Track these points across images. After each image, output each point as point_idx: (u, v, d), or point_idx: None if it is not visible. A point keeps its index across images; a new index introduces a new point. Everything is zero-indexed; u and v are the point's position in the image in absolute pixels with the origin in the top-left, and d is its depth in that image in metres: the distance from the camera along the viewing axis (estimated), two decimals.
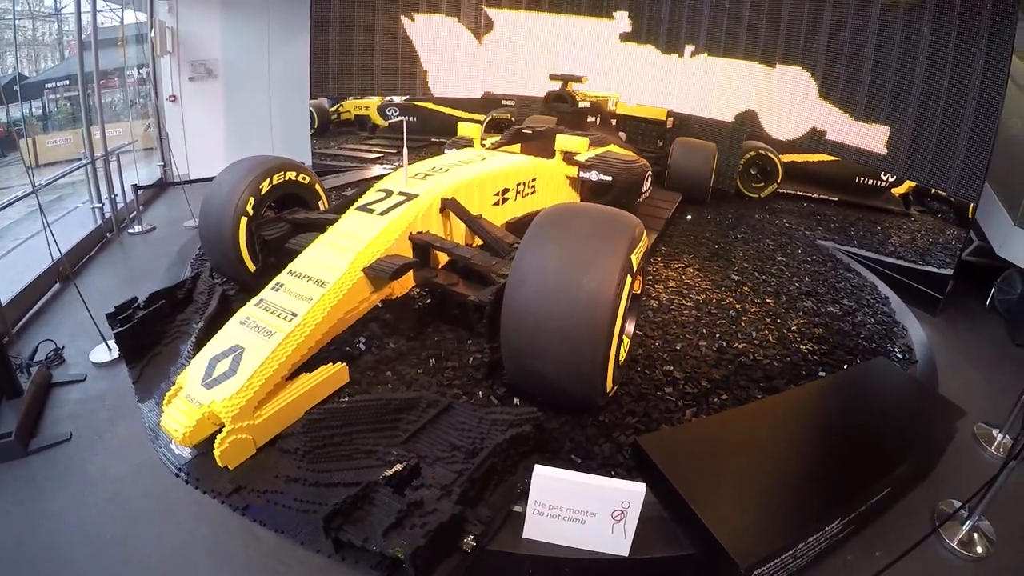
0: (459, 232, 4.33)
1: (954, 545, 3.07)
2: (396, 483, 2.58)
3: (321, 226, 4.39)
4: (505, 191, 4.64)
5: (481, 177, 4.41)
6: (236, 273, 4.55)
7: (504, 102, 10.69)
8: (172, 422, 2.91)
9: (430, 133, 11.46)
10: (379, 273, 3.49)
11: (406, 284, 3.90)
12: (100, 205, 7.19)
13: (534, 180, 4.96)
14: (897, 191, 9.26)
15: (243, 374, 2.95)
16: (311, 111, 9.66)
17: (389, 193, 4.03)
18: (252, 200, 4.34)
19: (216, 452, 2.83)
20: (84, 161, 7.11)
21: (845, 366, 4.32)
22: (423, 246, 3.90)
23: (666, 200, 7.51)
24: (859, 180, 9.24)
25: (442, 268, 4.13)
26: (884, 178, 9.18)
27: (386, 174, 4.64)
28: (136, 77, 9.16)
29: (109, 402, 3.80)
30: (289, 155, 4.81)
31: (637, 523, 2.49)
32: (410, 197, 3.94)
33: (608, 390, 3.23)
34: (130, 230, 7.24)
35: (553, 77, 6.66)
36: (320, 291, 3.33)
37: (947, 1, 5.84)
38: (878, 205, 9.14)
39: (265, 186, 4.43)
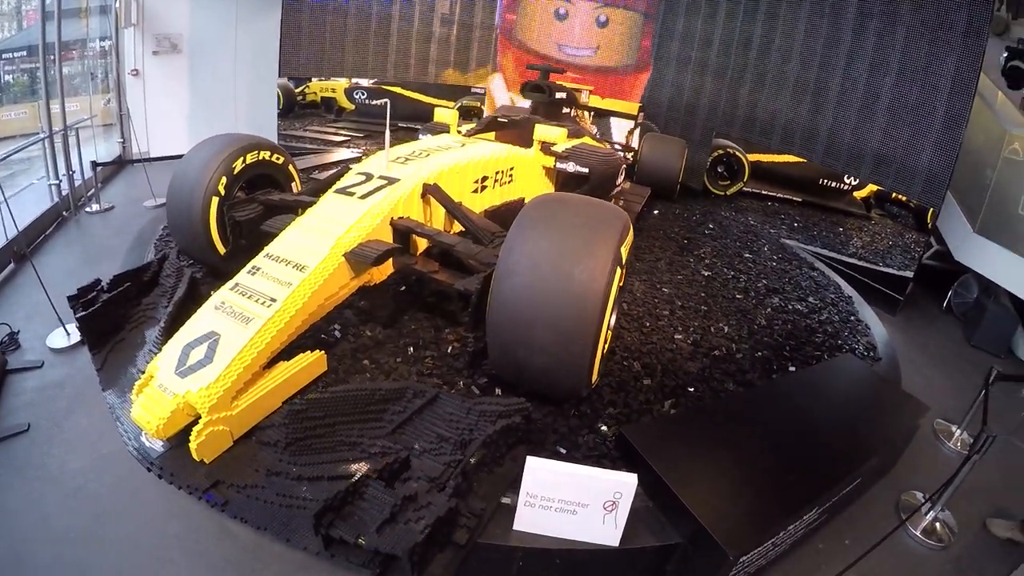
0: (438, 219, 4.27)
1: (918, 534, 3.25)
2: (387, 476, 2.55)
3: (295, 208, 4.32)
4: (484, 179, 4.60)
5: (462, 164, 4.34)
6: (204, 255, 4.38)
7: (473, 90, 10.63)
8: (144, 413, 2.79)
9: (398, 118, 11.31)
10: (361, 258, 3.42)
11: (385, 270, 3.82)
12: (57, 182, 6.88)
13: (511, 169, 4.94)
14: (859, 194, 9.59)
15: (220, 362, 2.84)
16: (277, 91, 9.45)
17: (369, 177, 3.95)
18: (224, 180, 4.17)
19: (192, 445, 2.71)
20: (42, 135, 6.79)
21: (813, 361, 4.47)
22: (404, 232, 3.84)
23: (636, 194, 7.58)
24: (823, 182, 9.55)
25: (420, 255, 4.08)
26: (847, 181, 9.49)
27: (354, 158, 4.58)
28: (97, 50, 8.75)
29: (69, 390, 3.61)
30: (255, 135, 4.65)
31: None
32: (391, 181, 3.87)
33: (592, 381, 3.26)
34: (88, 209, 6.94)
35: (531, 67, 6.62)
36: (300, 276, 3.24)
37: (922, 15, 6.01)
38: (841, 207, 9.41)
39: (238, 165, 4.26)
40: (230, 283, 3.32)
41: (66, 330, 4.08)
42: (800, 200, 9.44)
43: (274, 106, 9.17)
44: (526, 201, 5.24)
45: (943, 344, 5.84)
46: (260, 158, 4.45)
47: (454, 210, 4.00)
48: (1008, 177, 5.67)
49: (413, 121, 11.28)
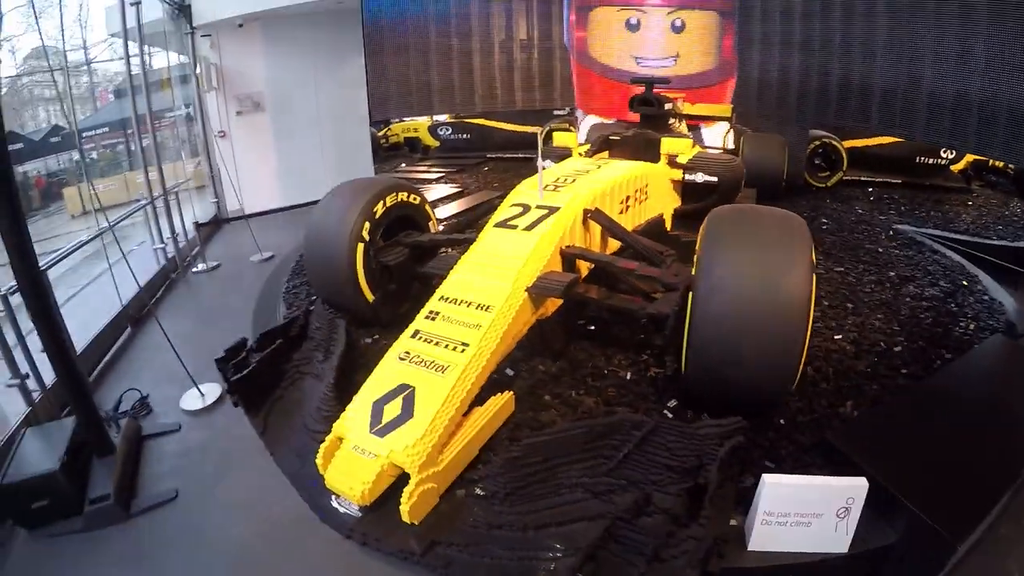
0: (595, 243, 4.13)
1: None
2: (629, 515, 2.42)
3: (434, 249, 4.27)
4: (628, 198, 4.43)
5: (611, 184, 4.20)
6: (352, 304, 4.24)
7: (555, 112, 10.62)
8: (343, 478, 2.65)
9: (485, 149, 11.43)
10: (547, 292, 3.33)
11: (556, 302, 3.67)
12: (163, 245, 7.08)
13: (647, 186, 4.79)
14: (956, 167, 9.21)
15: (423, 417, 2.71)
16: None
17: (527, 208, 3.82)
18: (367, 224, 4.07)
19: (404, 507, 2.54)
20: (144, 201, 7.00)
21: (966, 347, 4.25)
22: (571, 259, 3.72)
23: (747, 197, 7.37)
24: (919, 160, 9.18)
25: (582, 282, 3.90)
26: (944, 156, 9.11)
27: (457, 192, 4.54)
28: (183, 116, 9.09)
29: (214, 454, 3.51)
30: (387, 176, 4.62)
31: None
32: (552, 210, 3.73)
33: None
34: (194, 269, 7.11)
35: (636, 80, 6.54)
36: (488, 316, 3.11)
37: None
38: (940, 183, 9.03)
39: (379, 209, 4.17)
40: (409, 331, 3.21)
41: (200, 391, 4.05)
42: (900, 182, 9.05)
43: (369, 152, 9.21)
44: (664, 217, 5.20)
45: None
46: (399, 200, 4.36)
47: (621, 234, 3.89)
48: None
49: (502, 151, 11.37)
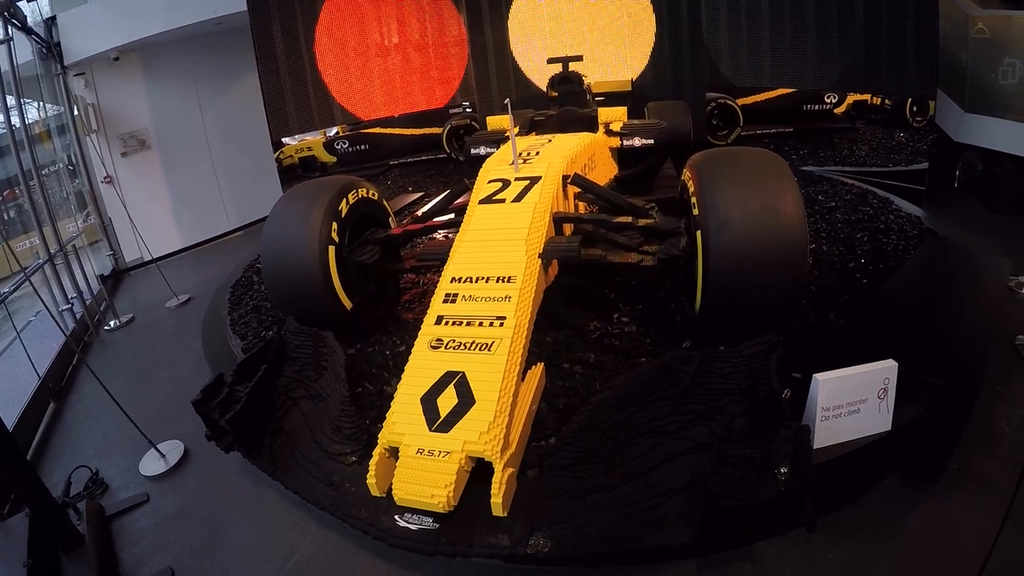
0: (571, 208, 4.13)
1: None
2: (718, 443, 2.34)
3: (405, 243, 4.14)
4: (584, 167, 4.43)
5: (574, 152, 4.15)
6: (329, 314, 3.88)
7: (451, 110, 10.51)
8: (418, 488, 2.36)
9: (385, 157, 11.17)
10: (562, 255, 3.32)
11: (554, 269, 3.63)
12: (68, 306, 6.39)
13: (594, 155, 4.84)
14: (839, 110, 10.12)
15: (486, 399, 2.52)
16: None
17: (506, 182, 3.70)
18: (335, 225, 3.78)
19: (496, 500, 2.32)
20: (41, 261, 6.30)
21: (902, 253, 4.74)
22: (559, 225, 3.69)
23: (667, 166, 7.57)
24: (806, 107, 9.99)
25: None
26: (827, 100, 9.95)
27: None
28: (63, 168, 8.27)
29: (197, 517, 3.17)
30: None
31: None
32: (534, 180, 3.65)
33: None
34: (106, 327, 6.48)
35: (552, 60, 6.56)
36: (514, 287, 3.00)
37: None
38: (828, 126, 9.91)
39: (343, 207, 3.89)
40: (430, 319, 3.02)
41: (159, 452, 3.67)
42: (792, 130, 9.76)
43: (275, 174, 8.77)
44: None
45: (969, 217, 6.10)
46: (360, 196, 4.09)
47: (602, 193, 3.90)
48: (980, 54, 6.05)
49: (404, 156, 11.15)
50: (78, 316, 6.35)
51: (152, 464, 3.62)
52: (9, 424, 3.80)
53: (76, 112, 7.60)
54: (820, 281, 4.30)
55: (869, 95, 9.84)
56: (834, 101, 9.92)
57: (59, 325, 5.32)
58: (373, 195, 4.29)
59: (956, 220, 5.85)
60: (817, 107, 9.94)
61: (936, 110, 6.67)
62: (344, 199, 3.93)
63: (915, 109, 9.33)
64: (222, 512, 3.15)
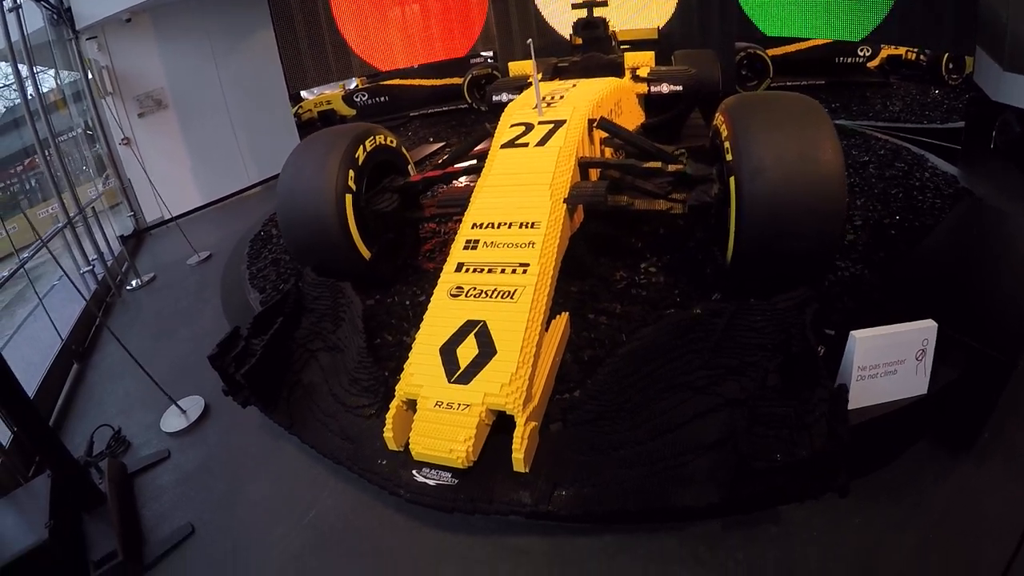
0: (598, 154, 4.00)
1: None
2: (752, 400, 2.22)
3: (425, 190, 4.03)
4: (611, 112, 4.26)
5: (600, 97, 3.99)
6: (347, 264, 3.80)
7: (472, 60, 10.26)
8: (437, 443, 2.27)
9: (406, 109, 10.99)
10: (588, 200, 3.18)
11: (580, 216, 3.50)
12: (90, 267, 6.41)
13: (620, 101, 4.65)
14: (872, 64, 9.66)
15: (508, 349, 2.41)
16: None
17: (529, 126, 3.56)
18: (352, 173, 3.67)
19: (518, 455, 2.23)
20: (60, 224, 6.30)
21: (939, 213, 4.55)
22: (585, 170, 3.54)
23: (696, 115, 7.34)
24: (838, 60, 9.53)
25: None
26: (860, 54, 9.50)
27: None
28: (80, 134, 8.23)
29: (217, 472, 3.13)
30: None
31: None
32: (558, 124, 3.50)
33: None
34: (128, 286, 6.47)
35: (576, 5, 6.33)
36: (539, 233, 2.87)
37: None
38: (861, 80, 9.48)
39: (360, 155, 3.77)
40: (450, 266, 2.91)
41: (180, 408, 3.64)
42: (824, 82, 9.37)
43: (294, 130, 8.60)
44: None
45: (1005, 180, 5.76)
46: (378, 143, 3.97)
47: (630, 138, 3.76)
48: (1021, 11, 5.71)
49: (424, 107, 10.99)
50: (100, 277, 6.34)
51: (173, 420, 3.59)
52: (33, 386, 3.93)
53: (91, 76, 7.50)
54: (854, 236, 4.14)
55: (904, 49, 9.42)
56: (867, 55, 9.48)
57: (77, 288, 5.31)
58: (391, 142, 4.17)
59: (992, 182, 5.66)
60: (850, 60, 9.48)
61: (974, 67, 6.40)
62: (361, 146, 3.82)
63: (951, 66, 8.87)
64: (242, 467, 3.12)
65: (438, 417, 2.34)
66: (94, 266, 6.42)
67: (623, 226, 4.39)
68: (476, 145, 4.50)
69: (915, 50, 9.36)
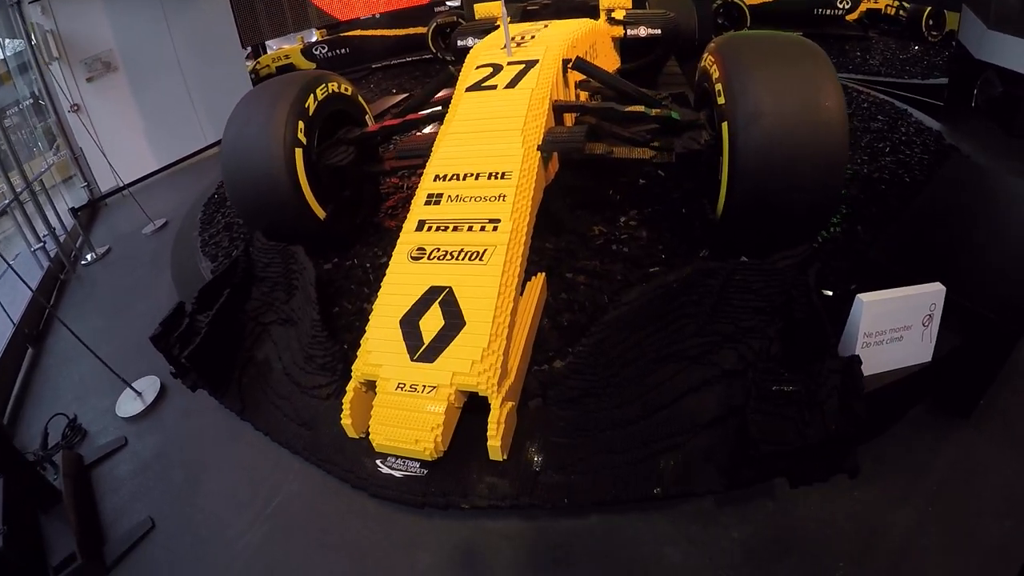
0: (573, 97, 3.75)
1: None
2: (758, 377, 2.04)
3: (384, 142, 3.81)
4: (586, 55, 3.98)
5: (574, 37, 3.70)
6: (299, 225, 3.48)
7: (436, 8, 9.92)
8: (400, 432, 2.03)
9: (368, 61, 10.65)
10: (564, 147, 2.92)
11: (555, 166, 3.23)
12: (41, 244, 6.04)
13: (595, 43, 4.36)
14: (851, 16, 9.57)
15: (479, 319, 2.15)
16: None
17: (497, 67, 3.27)
18: (301, 124, 3.33)
19: (494, 443, 2.00)
20: (7, 201, 5.89)
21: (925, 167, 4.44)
22: (560, 114, 3.28)
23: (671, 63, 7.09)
24: (817, 11, 9.39)
25: None
26: (839, 6, 9.34)
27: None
28: (26, 105, 7.75)
29: (175, 459, 2.92)
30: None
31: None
32: (530, 64, 3.20)
33: None
34: (83, 261, 6.14)
35: None
36: (510, 184, 2.58)
37: None
38: (839, 32, 9.39)
39: (311, 104, 3.44)
40: (410, 225, 2.62)
41: (134, 390, 3.41)
42: (802, 34, 9.06)
43: (249, 86, 8.22)
44: None
45: (987, 138, 5.62)
46: (330, 91, 3.64)
47: (609, 79, 3.45)
48: None
49: (387, 58, 10.69)
50: (52, 254, 5.98)
51: (129, 404, 3.36)
52: None
53: (34, 41, 7.01)
54: (844, 190, 3.89)
55: (884, 3, 9.35)
56: (847, 7, 9.31)
57: (16, 272, 4.97)
58: (346, 90, 3.84)
59: (975, 139, 5.54)
60: (828, 12, 9.32)
61: (960, 24, 6.23)
62: (311, 95, 3.47)
63: (931, 22, 8.82)
64: (200, 452, 2.92)
65: (400, 402, 2.08)
66: (45, 243, 6.05)
67: (600, 176, 4.13)
68: (440, 90, 4.17)
69: (895, 4, 9.24)
